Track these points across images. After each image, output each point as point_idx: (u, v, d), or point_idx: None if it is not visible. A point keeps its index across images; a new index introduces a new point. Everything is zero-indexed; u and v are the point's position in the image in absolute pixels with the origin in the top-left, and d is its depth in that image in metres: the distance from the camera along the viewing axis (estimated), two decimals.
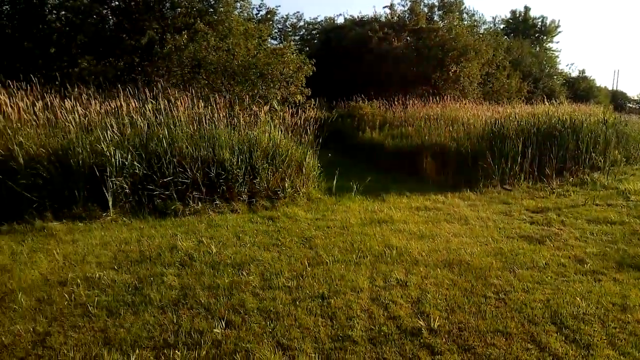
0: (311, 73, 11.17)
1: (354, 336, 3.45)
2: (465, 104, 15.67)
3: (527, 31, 41.96)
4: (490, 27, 36.73)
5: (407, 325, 3.62)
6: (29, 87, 7.72)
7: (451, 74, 19.56)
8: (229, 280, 4.40)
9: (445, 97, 16.85)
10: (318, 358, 3.17)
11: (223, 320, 3.64)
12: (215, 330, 3.48)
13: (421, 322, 3.64)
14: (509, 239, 5.79)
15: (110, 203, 6.53)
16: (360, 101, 17.14)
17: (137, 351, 3.16)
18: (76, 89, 8.56)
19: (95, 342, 3.30)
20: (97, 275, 4.44)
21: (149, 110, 7.55)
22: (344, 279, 4.47)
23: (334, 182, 8.31)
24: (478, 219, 6.71)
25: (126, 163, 6.69)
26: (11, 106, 6.91)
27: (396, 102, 16.20)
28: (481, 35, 23.65)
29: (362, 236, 5.82)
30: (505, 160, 9.26)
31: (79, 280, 4.28)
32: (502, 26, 43.35)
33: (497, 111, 13.27)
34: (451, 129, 10.95)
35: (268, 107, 9.05)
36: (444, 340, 3.43)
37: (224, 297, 4.05)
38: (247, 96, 10.06)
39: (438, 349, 3.32)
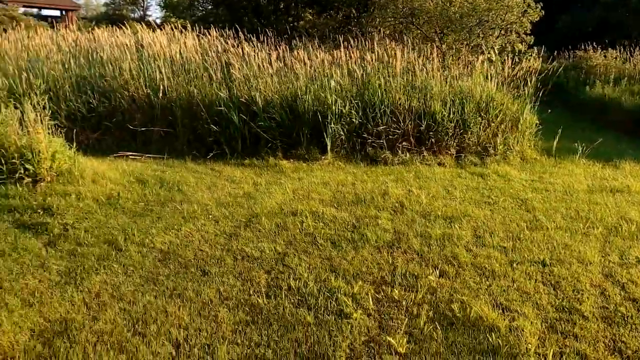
0: (537, 18, 9.99)
1: (583, 310, 3.16)
2: None
3: None
4: None
5: None
6: (265, 40, 8.73)
7: None
8: (441, 231, 4.43)
9: None
10: (541, 325, 3.01)
11: (437, 269, 3.71)
12: (429, 277, 3.58)
13: None
14: None
15: (328, 147, 7.11)
16: (591, 50, 14.75)
17: (360, 283, 3.47)
18: (301, 41, 9.35)
19: (323, 267, 3.73)
20: (321, 210, 4.95)
21: (366, 60, 7.82)
22: (568, 248, 4.08)
23: (554, 142, 7.48)
24: None
25: (344, 111, 7.14)
26: (253, 57, 7.94)
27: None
28: None
29: (591, 205, 5.17)
30: None
31: (306, 213, 4.85)
32: None
33: None
34: None
35: (484, 57, 8.48)
36: None
37: (436, 247, 4.11)
38: (462, 45, 9.57)
39: None
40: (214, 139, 7.33)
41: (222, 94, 7.32)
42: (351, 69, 7.81)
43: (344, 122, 7.19)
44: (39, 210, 4.54)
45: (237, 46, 8.16)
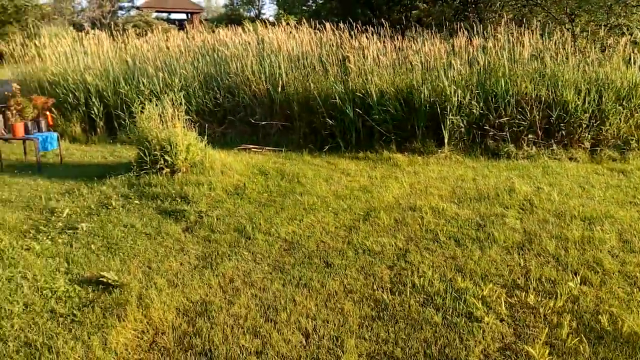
0: None
1: None
2: None
3: None
4: None
5: None
6: (379, 32, 8.63)
7: None
8: (579, 234, 4.02)
9: None
10: None
11: (577, 276, 3.37)
12: (569, 283, 3.27)
13: None
14: None
15: (445, 140, 6.84)
16: None
17: (489, 285, 3.28)
18: (415, 30, 9.08)
19: (447, 266, 3.59)
20: (441, 206, 4.77)
21: (488, 47, 7.36)
22: None
23: None
24: None
25: (464, 102, 6.81)
26: (367, 49, 7.89)
27: None
28: None
29: None
30: None
31: (426, 209, 4.71)
32: None
33: None
34: None
35: (627, 39, 7.52)
36: None
37: (575, 251, 3.74)
38: (598, 27, 8.59)
39: None
40: (329, 132, 7.45)
41: (337, 88, 7.39)
42: (471, 57, 7.42)
43: (463, 114, 6.87)
44: (177, 198, 4.97)
45: (352, 39, 8.17)
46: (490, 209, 4.69)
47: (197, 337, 2.77)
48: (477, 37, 7.72)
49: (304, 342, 2.74)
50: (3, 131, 6.89)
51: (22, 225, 4.33)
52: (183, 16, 32.52)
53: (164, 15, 30.17)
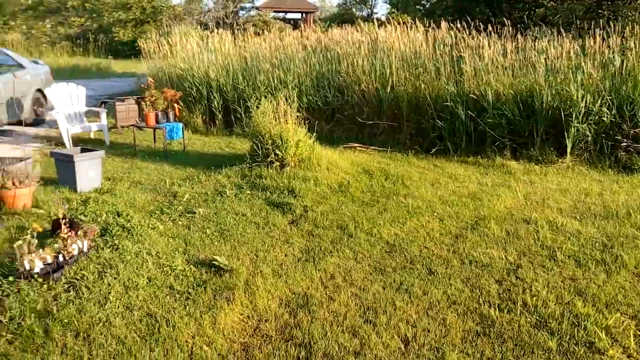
0: None
1: None
2: None
3: None
4: None
5: None
6: (498, 31, 8.14)
7: None
8: None
9: None
10: None
11: None
12: None
13: None
14: None
15: (568, 149, 6.28)
16: None
17: (615, 314, 2.93)
18: (539, 30, 8.42)
19: (565, 288, 3.28)
20: (560, 221, 4.38)
21: (628, 48, 6.59)
22: None
23: None
24: None
25: (593, 108, 6.18)
26: (485, 49, 7.49)
27: None
28: None
29: None
30: None
31: (542, 222, 4.35)
32: None
33: None
34: None
35: None
36: None
37: None
38: None
39: None
40: (437, 135, 7.22)
41: (449, 88, 7.13)
42: (605, 59, 6.70)
43: (590, 121, 6.24)
44: (285, 192, 5.16)
45: (468, 38, 7.82)
46: (620, 228, 4.21)
47: (297, 329, 2.84)
48: (613, 36, 6.95)
49: (403, 348, 2.68)
50: (138, 120, 7.68)
51: (149, 206, 4.80)
52: (298, 16, 33.67)
53: (281, 15, 31.49)
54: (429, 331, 2.83)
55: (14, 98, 7.91)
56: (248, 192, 5.20)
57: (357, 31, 9.64)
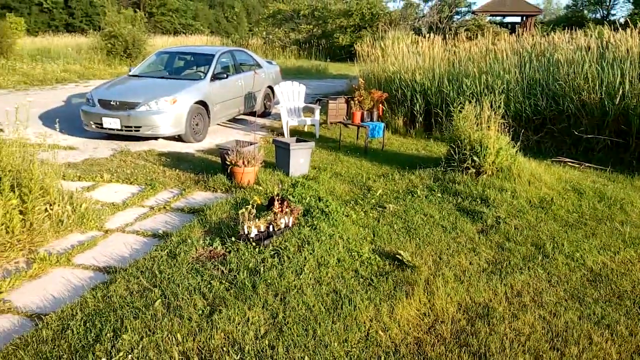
0: None
1: None
2: None
3: None
4: None
5: None
6: None
7: None
8: None
9: None
10: None
11: None
12: None
13: None
14: None
15: None
16: None
17: None
18: None
19: None
20: None
21: None
22: None
23: None
24: None
25: None
26: None
27: None
28: None
29: None
30: None
31: None
32: None
33: None
34: None
35: None
36: None
37: None
38: None
39: None
40: None
41: None
42: None
43: None
44: (477, 200, 5.00)
45: None
46: None
47: (474, 337, 2.78)
48: None
49: None
50: (345, 117, 8.32)
51: (345, 196, 5.21)
52: (517, 19, 31.47)
53: (497, 18, 29.91)
54: None
55: (251, 92, 9.39)
56: (439, 195, 5.20)
57: (585, 35, 8.60)
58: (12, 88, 12.55)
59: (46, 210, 4.04)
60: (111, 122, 7.10)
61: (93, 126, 7.32)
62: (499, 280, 3.45)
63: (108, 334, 2.65)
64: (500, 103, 6.24)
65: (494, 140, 5.54)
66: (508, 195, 5.07)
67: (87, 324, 2.75)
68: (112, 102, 7.20)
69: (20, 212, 3.77)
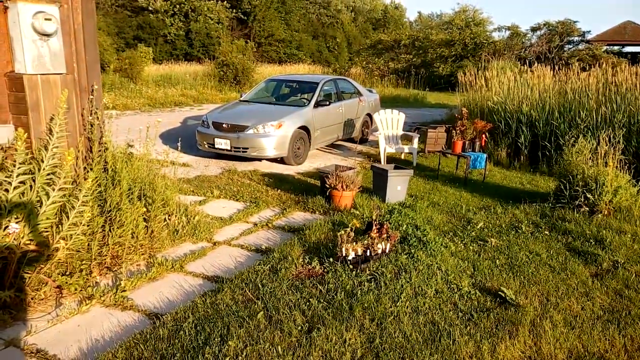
0: None
1: None
2: None
3: None
4: None
5: None
6: None
7: None
8: None
9: None
10: None
11: None
12: None
13: None
14: None
15: None
16: None
17: None
18: None
19: None
20: None
21: None
22: None
23: None
24: None
25: None
26: None
27: None
28: None
29: None
30: None
31: None
32: None
33: None
34: None
35: None
36: None
37: None
38: None
39: None
40: None
41: None
42: None
43: None
44: (591, 240, 4.62)
45: None
46: None
47: None
48: None
49: None
50: (444, 146, 8.18)
51: (443, 226, 5.09)
52: (638, 49, 28.82)
53: (616, 48, 27.66)
54: None
55: (351, 119, 9.62)
56: (546, 232, 4.88)
57: None
58: (138, 109, 14.08)
59: (165, 220, 4.46)
60: (222, 143, 7.67)
61: (206, 146, 7.95)
62: (617, 330, 3.14)
63: (216, 339, 2.85)
64: (620, 138, 5.76)
65: (612, 177, 5.11)
66: (628, 238, 4.62)
67: (198, 327, 2.98)
68: (224, 125, 7.79)
69: (144, 220, 4.20)
